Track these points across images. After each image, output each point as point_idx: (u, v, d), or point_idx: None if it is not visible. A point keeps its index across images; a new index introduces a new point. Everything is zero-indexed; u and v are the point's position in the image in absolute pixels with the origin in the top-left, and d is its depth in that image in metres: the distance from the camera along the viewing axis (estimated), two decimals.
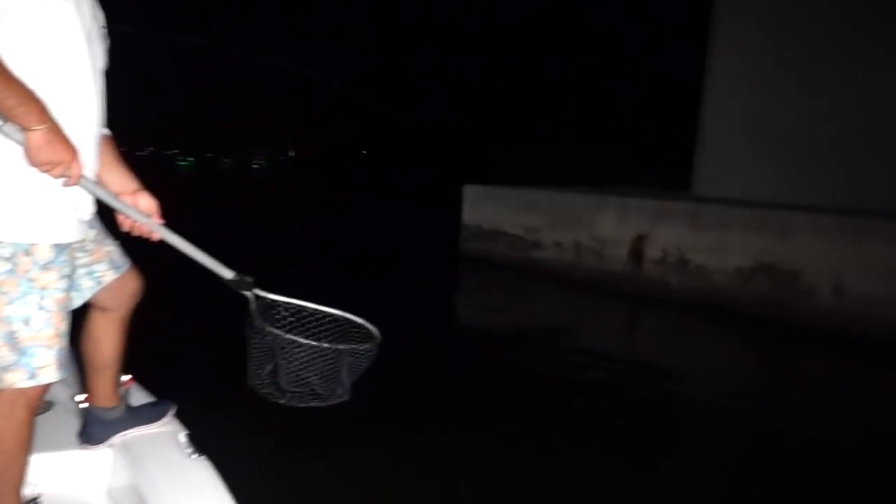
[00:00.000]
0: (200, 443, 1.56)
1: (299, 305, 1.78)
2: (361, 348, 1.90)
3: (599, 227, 5.67)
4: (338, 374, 1.92)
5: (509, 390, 3.19)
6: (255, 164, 44.71)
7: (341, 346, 1.87)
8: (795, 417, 3.01)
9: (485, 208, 6.63)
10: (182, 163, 42.15)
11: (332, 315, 1.87)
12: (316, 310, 1.79)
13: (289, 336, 1.81)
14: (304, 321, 1.83)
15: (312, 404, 1.94)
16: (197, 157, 44.99)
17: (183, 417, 1.63)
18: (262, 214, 12.81)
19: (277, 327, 1.81)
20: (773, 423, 2.95)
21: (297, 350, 1.82)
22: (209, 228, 8.43)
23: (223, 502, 1.41)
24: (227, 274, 1.60)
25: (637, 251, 5.38)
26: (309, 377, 1.88)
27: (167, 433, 1.58)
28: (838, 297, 4.37)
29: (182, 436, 1.59)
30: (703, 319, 4.78)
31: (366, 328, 1.91)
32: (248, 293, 1.68)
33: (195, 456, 1.53)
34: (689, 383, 3.49)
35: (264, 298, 1.77)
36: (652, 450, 2.67)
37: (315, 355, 1.84)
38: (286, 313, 1.84)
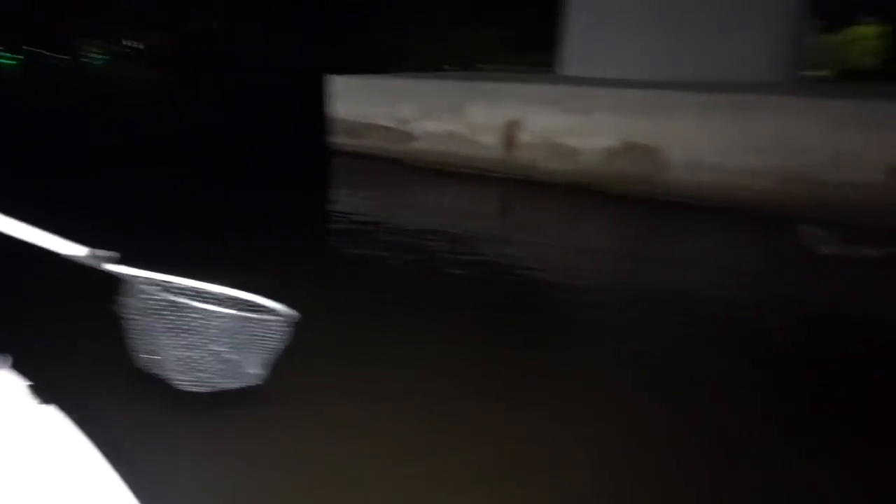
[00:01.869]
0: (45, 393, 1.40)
1: (179, 285, 1.65)
2: (264, 318, 1.76)
3: (471, 115, 5.61)
4: (244, 351, 1.78)
5: (393, 281, 3.17)
6: (95, 57, 40.08)
7: (238, 314, 1.72)
8: (667, 284, 3.24)
9: (353, 100, 6.34)
10: (5, 61, 36.95)
11: (222, 295, 1.70)
12: (197, 288, 1.67)
13: (180, 300, 1.65)
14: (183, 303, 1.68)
15: (217, 387, 1.81)
16: (23, 53, 39.56)
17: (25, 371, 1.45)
18: (106, 115, 11.60)
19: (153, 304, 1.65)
20: (660, 294, 3.14)
21: (189, 319, 1.67)
22: (41, 138, 7.58)
23: (79, 444, 1.30)
24: (79, 251, 1.41)
25: (509, 137, 5.40)
26: (205, 355, 1.74)
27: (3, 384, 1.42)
28: (692, 171, 4.66)
29: (24, 386, 1.44)
30: (572, 199, 4.97)
31: (262, 305, 1.76)
32: (111, 269, 1.53)
33: (41, 404, 1.39)
34: (559, 261, 3.64)
35: (130, 276, 1.62)
36: (534, 330, 2.75)
37: (208, 328, 1.68)
38: (165, 293, 1.68)
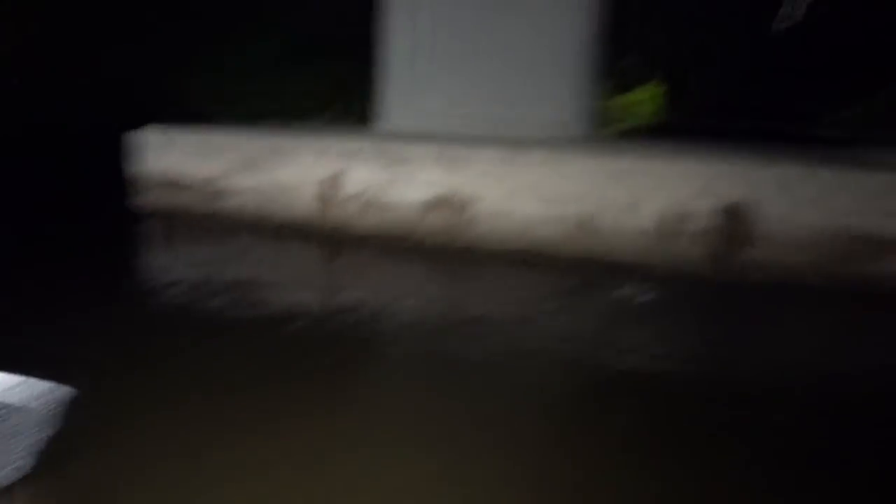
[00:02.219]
0: None
1: None
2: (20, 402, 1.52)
3: (288, 169, 5.50)
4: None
5: (209, 352, 2.96)
6: None
7: None
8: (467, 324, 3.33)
9: (158, 155, 5.95)
10: None
11: None
12: None
13: None
14: None
15: None
16: None
17: None
18: None
19: None
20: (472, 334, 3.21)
21: None
22: None
23: None
24: None
25: (326, 192, 5.36)
26: None
27: None
28: (502, 220, 4.91)
29: None
30: (388, 254, 5.01)
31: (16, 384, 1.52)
32: None
33: None
34: (377, 312, 3.62)
35: None
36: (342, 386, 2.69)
37: None
38: None
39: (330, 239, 5.28)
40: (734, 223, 4.36)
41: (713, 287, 4.36)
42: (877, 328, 3.79)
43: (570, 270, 4.59)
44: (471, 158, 4.99)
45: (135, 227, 5.65)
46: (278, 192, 5.53)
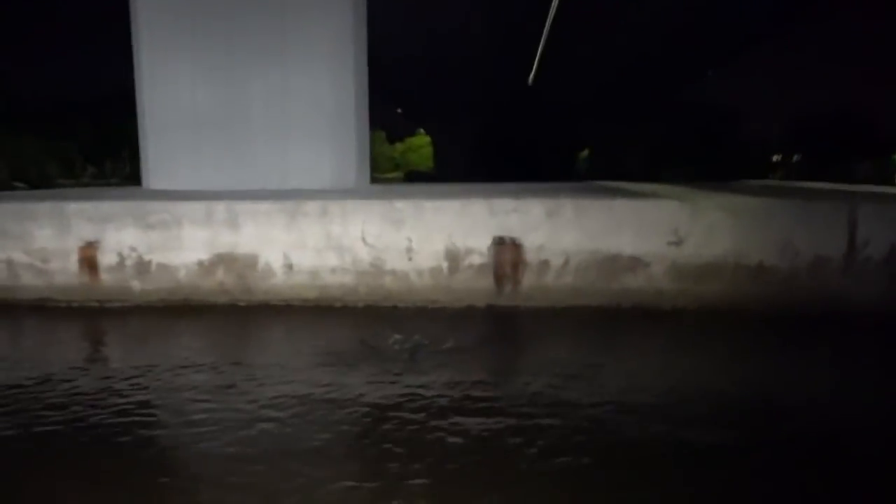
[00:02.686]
0: None
1: None
2: None
3: (37, 240, 4.94)
4: None
5: None
6: None
7: None
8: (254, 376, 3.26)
9: None
10: None
11: None
12: None
13: None
14: None
15: None
16: None
17: None
18: None
19: None
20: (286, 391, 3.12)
21: None
22: None
23: None
24: None
25: (89, 260, 4.91)
26: None
27: None
28: (290, 274, 4.90)
29: None
30: (172, 317, 4.72)
31: None
32: None
33: None
34: (153, 386, 3.39)
35: None
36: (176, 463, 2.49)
37: None
38: None
39: (99, 309, 4.82)
40: (508, 253, 4.83)
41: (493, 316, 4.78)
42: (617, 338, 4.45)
43: (361, 317, 4.72)
44: (252, 212, 4.93)
45: None
46: (29, 263, 4.93)
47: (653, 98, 23.76)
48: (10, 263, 4.95)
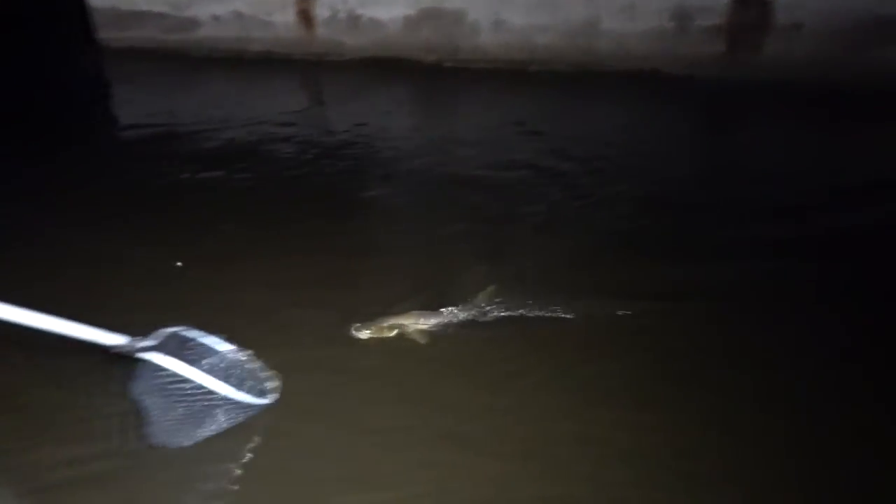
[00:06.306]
0: None
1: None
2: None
3: None
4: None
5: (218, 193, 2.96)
6: None
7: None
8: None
9: None
10: None
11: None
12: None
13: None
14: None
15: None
16: None
17: None
18: None
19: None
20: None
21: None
22: None
23: None
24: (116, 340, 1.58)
25: (304, 12, 4.97)
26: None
27: None
28: (497, 31, 4.64)
29: None
30: (380, 74, 4.77)
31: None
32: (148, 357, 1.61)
33: None
34: (379, 136, 3.57)
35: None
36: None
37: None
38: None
39: (316, 63, 4.98)
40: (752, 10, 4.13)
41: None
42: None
43: (573, 81, 4.45)
44: None
45: (94, 69, 5.22)
46: (252, 16, 5.08)
47: None
48: (240, 16, 5.12)
